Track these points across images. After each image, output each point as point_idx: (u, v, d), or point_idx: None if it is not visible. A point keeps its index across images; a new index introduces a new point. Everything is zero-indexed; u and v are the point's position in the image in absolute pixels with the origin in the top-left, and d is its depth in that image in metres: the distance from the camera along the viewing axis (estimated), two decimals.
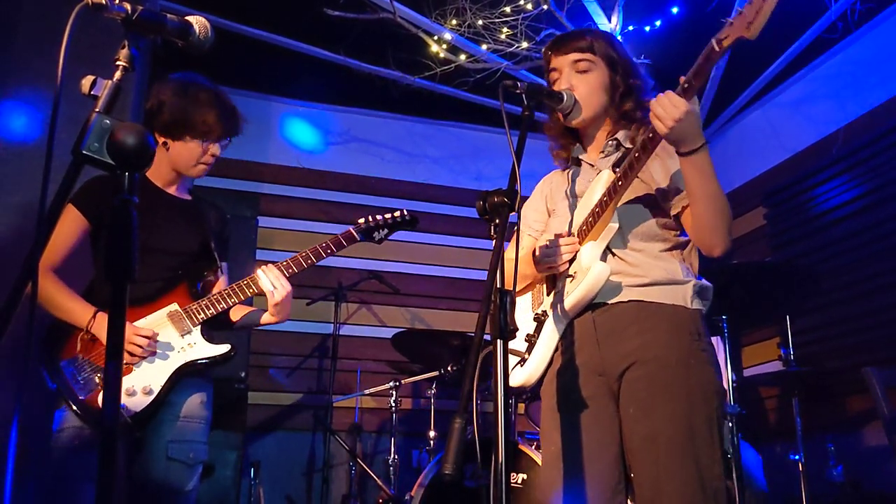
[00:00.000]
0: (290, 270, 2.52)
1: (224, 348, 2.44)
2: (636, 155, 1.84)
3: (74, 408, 2.25)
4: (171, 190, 2.55)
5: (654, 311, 1.88)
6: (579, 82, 1.99)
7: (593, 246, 1.92)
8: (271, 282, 2.47)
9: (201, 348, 2.42)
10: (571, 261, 1.95)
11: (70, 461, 2.24)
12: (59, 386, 2.27)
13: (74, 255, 2.38)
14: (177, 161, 2.50)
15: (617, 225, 1.92)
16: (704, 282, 1.98)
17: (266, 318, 2.55)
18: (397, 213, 2.81)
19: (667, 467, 1.77)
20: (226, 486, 3.98)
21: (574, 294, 1.92)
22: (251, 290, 2.48)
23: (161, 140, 2.49)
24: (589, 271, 1.89)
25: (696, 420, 1.79)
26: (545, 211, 2.20)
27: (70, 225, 2.37)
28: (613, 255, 1.95)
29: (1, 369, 2.47)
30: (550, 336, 1.99)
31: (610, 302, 1.92)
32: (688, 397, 1.81)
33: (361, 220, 2.77)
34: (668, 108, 1.71)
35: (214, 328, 2.51)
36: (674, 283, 1.91)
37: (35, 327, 2.30)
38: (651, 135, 1.81)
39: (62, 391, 2.26)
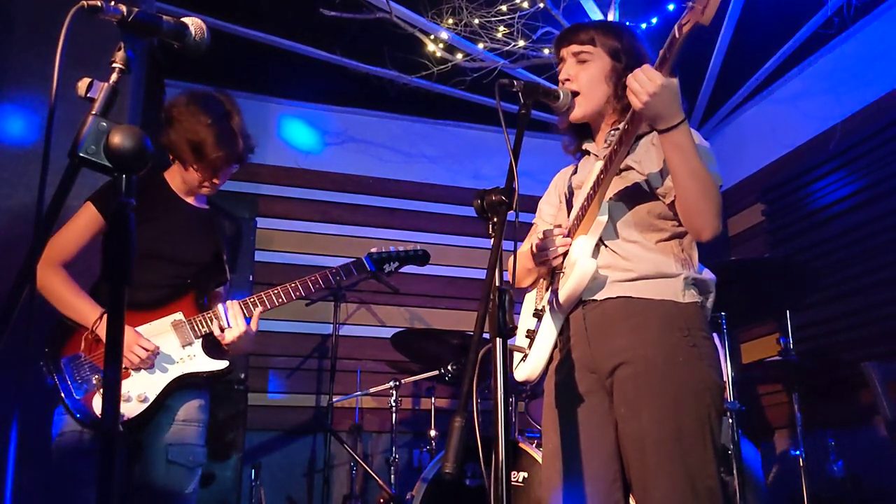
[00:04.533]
0: (255, 308, 2.45)
1: (222, 364, 2.43)
2: (615, 147, 1.84)
3: (68, 405, 2.25)
4: (190, 199, 2.55)
5: (642, 308, 1.87)
6: (579, 72, 2.00)
7: (584, 240, 1.91)
8: (227, 321, 2.40)
9: (200, 362, 2.41)
10: (566, 255, 1.95)
11: (72, 465, 2.24)
12: (56, 383, 2.27)
13: (86, 252, 2.39)
14: (185, 179, 2.51)
15: (605, 218, 1.90)
16: (705, 274, 1.95)
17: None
18: (410, 247, 2.80)
19: (655, 469, 1.76)
20: (227, 487, 3.97)
21: (563, 290, 1.91)
22: (207, 327, 2.42)
23: (171, 156, 2.49)
24: (574, 267, 1.88)
25: (684, 420, 1.77)
26: (558, 204, 2.20)
27: (86, 222, 2.38)
28: (606, 247, 1.93)
29: (1, 370, 2.47)
30: (548, 332, 1.99)
31: (599, 298, 1.91)
32: (675, 396, 1.79)
33: (374, 249, 2.75)
34: (643, 81, 1.71)
35: (216, 342, 2.49)
36: (663, 277, 1.88)
37: (34, 329, 2.30)
38: (629, 123, 1.81)
39: (59, 388, 2.26)
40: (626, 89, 1.92)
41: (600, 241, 1.93)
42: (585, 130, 2.13)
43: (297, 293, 2.52)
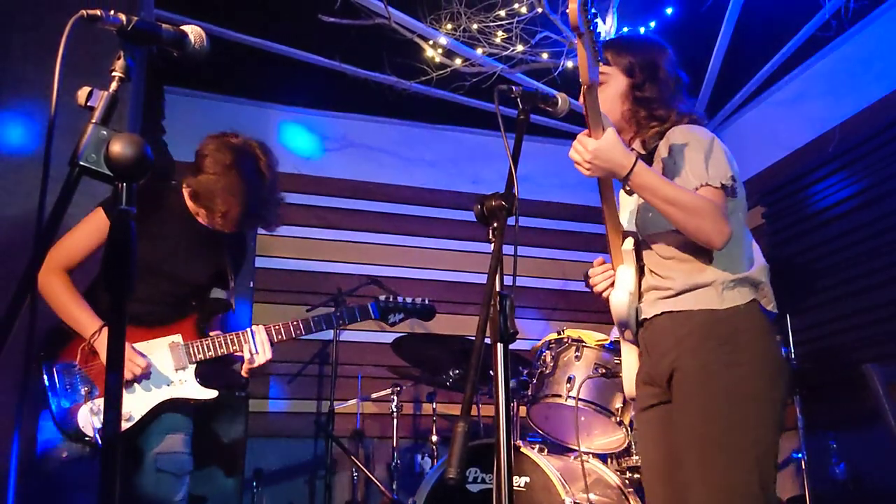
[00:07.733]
0: (281, 336, 2.52)
1: (212, 393, 2.45)
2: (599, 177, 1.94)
3: (53, 413, 2.25)
4: (200, 217, 2.51)
5: (684, 320, 1.92)
6: None
7: (623, 270, 2.01)
8: (256, 346, 2.45)
9: (191, 388, 2.42)
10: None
11: (60, 472, 2.25)
12: (46, 388, 2.27)
13: (92, 257, 2.39)
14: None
15: (631, 247, 1.99)
16: (750, 271, 1.93)
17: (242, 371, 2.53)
18: (418, 300, 2.80)
19: (693, 475, 1.81)
20: (228, 494, 3.96)
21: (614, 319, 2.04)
22: (234, 348, 2.46)
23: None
24: (610, 301, 2.01)
25: (714, 429, 1.81)
26: None
27: (95, 227, 2.36)
28: (651, 271, 2.01)
29: (1, 377, 2.46)
30: (627, 355, 2.11)
31: (649, 316, 1.99)
32: (705, 406, 1.83)
33: (382, 297, 2.78)
34: (579, 151, 1.83)
35: (208, 369, 2.50)
36: (698, 288, 1.91)
37: (35, 338, 2.30)
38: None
39: (46, 393, 2.26)
40: (641, 102, 2.00)
41: (642, 264, 2.01)
42: None
43: (298, 332, 2.56)
